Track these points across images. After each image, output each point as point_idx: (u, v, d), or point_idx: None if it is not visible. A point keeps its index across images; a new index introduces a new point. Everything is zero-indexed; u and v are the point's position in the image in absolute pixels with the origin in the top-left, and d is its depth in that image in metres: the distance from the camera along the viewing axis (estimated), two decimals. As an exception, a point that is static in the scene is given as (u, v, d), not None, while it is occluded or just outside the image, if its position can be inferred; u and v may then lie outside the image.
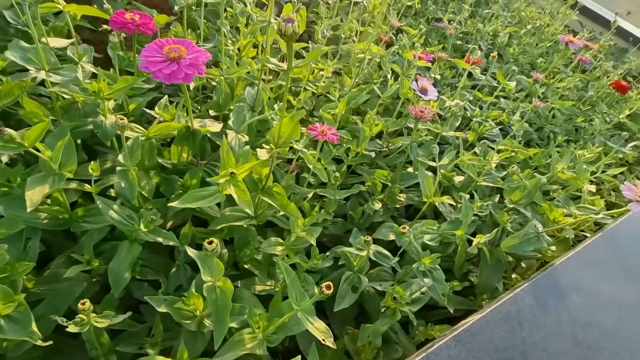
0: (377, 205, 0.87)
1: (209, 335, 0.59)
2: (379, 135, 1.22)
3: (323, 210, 0.91)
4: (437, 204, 0.96)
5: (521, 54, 2.15)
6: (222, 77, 0.82)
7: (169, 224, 0.73)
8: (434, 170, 0.88)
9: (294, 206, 0.64)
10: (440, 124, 1.27)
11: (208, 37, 1.22)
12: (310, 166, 0.72)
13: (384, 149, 1.15)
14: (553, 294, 0.70)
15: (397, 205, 0.99)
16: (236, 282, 0.70)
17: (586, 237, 1.00)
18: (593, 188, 1.07)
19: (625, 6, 3.33)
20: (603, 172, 1.36)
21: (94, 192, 0.62)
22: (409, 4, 1.79)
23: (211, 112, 0.85)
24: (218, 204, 0.74)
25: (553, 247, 0.91)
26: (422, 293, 0.71)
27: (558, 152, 1.51)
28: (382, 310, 0.68)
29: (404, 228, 0.64)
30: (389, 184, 0.96)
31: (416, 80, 1.00)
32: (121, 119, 0.50)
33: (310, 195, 0.89)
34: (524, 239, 0.74)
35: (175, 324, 0.58)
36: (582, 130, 1.88)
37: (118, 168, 0.57)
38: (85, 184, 0.63)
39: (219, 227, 0.69)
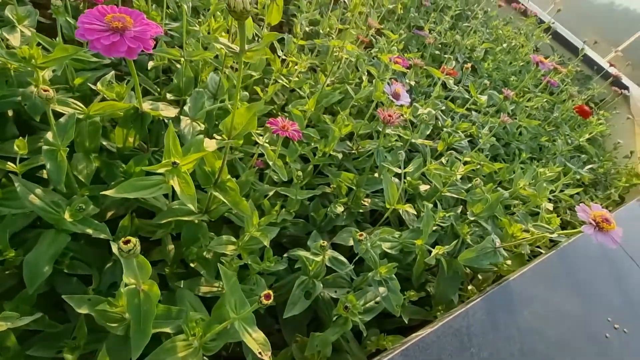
0: (339, 209, 0.84)
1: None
2: (350, 137, 1.20)
3: (284, 209, 0.87)
4: (400, 211, 0.95)
5: (495, 70, 2.21)
6: (183, 59, 0.76)
7: (109, 214, 0.66)
8: (400, 177, 0.87)
9: (247, 204, 0.59)
10: (411, 131, 1.27)
11: (179, 17, 1.14)
12: (270, 162, 0.68)
13: (353, 152, 1.12)
14: (504, 309, 0.70)
15: (361, 210, 0.96)
16: (180, 281, 0.64)
17: (541, 253, 1.02)
18: (550, 206, 1.10)
19: (593, 36, 3.53)
20: (561, 191, 1.41)
21: (18, 172, 0.55)
22: (391, 6, 1.78)
23: (169, 96, 0.78)
24: (167, 196, 0.68)
25: (509, 262, 0.92)
26: (376, 302, 0.69)
27: (522, 168, 1.55)
28: (334, 318, 0.65)
29: (361, 235, 0.61)
30: (354, 187, 0.94)
31: (390, 84, 0.98)
32: (45, 90, 0.43)
33: (271, 194, 0.85)
34: (481, 252, 0.74)
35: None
36: (546, 150, 1.96)
37: (45, 147, 0.50)
38: (9, 162, 0.55)
39: (164, 220, 0.63)
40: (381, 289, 0.66)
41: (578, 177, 1.75)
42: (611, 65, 3.05)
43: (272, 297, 0.39)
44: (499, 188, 1.34)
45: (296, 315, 0.70)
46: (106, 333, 0.53)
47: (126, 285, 0.39)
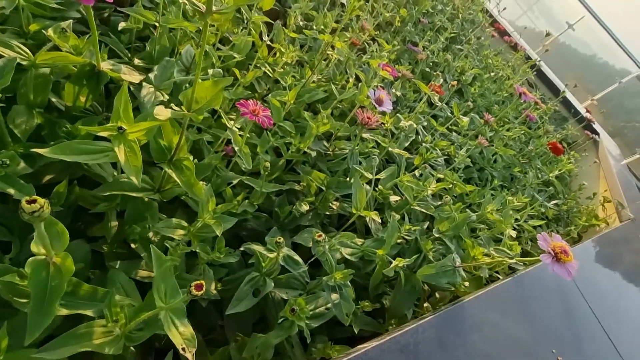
0: (305, 207, 0.80)
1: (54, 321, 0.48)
2: (329, 137, 1.17)
3: (247, 201, 0.83)
4: (367, 219, 0.93)
5: (480, 96, 2.26)
6: (159, 24, 0.70)
7: (47, 178, 0.59)
8: (372, 183, 0.84)
9: (201, 187, 0.55)
10: (390, 140, 1.26)
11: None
12: (236, 148, 0.64)
13: (329, 153, 1.09)
14: (455, 330, 0.69)
15: (328, 213, 0.93)
16: (116, 262, 0.59)
17: (499, 278, 1.03)
18: (514, 234, 1.11)
19: (574, 79, 3.71)
20: (525, 221, 1.45)
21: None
22: (388, 15, 1.78)
23: (138, 62, 0.72)
24: (116, 166, 0.62)
25: (467, 283, 0.92)
26: (327, 309, 0.66)
27: (492, 194, 1.58)
28: (280, 321, 0.61)
29: (320, 236, 0.58)
30: (324, 188, 0.91)
31: (374, 90, 0.96)
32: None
33: (235, 182, 0.80)
34: (440, 270, 0.72)
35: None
36: (517, 180, 2.01)
37: (-30, 89, 0.44)
38: None
39: (108, 193, 0.57)
40: (334, 295, 0.63)
41: (543, 210, 1.81)
42: (587, 111, 3.20)
43: (204, 288, 0.34)
44: (467, 210, 1.35)
45: (242, 313, 0.65)
46: (15, 310, 0.47)
47: (33, 255, 0.33)
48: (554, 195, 2.17)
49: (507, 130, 2.05)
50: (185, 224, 0.64)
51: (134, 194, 0.58)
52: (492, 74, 2.57)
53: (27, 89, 0.56)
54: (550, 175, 1.90)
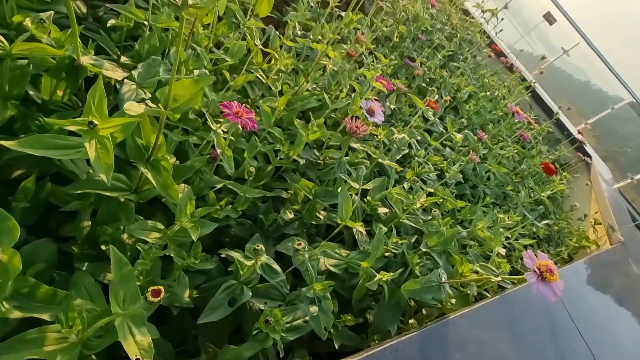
0: (289, 215, 0.78)
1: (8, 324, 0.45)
2: (320, 146, 1.16)
3: (230, 206, 0.80)
4: (354, 231, 0.91)
5: (475, 114, 2.27)
6: (147, 23, 0.69)
7: (16, 173, 0.57)
8: (363, 194, 0.82)
9: (177, 189, 0.53)
10: (382, 152, 1.25)
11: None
12: (219, 151, 0.62)
13: (320, 162, 1.08)
14: (438, 348, 0.66)
15: (314, 222, 0.91)
16: (84, 263, 0.56)
17: (487, 296, 1.00)
18: (503, 252, 1.09)
19: (568, 103, 3.77)
20: (516, 239, 1.43)
21: None
22: (386, 29, 1.80)
23: (125, 59, 0.71)
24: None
25: (453, 300, 0.89)
26: (305, 321, 0.63)
27: (484, 211, 1.57)
28: (254, 333, 0.59)
29: (299, 244, 0.56)
30: (311, 197, 0.89)
31: (367, 100, 0.95)
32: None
33: (219, 186, 0.78)
34: (425, 285, 0.70)
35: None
36: (509, 198, 2.00)
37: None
38: None
39: (80, 191, 0.55)
40: (312, 308, 0.60)
41: (535, 229, 1.80)
42: (580, 133, 3.24)
43: (162, 294, 0.32)
44: (458, 226, 1.34)
45: (216, 323, 0.62)
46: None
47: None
48: (545, 214, 2.17)
49: (501, 148, 2.06)
50: (162, 227, 0.61)
51: (107, 193, 0.56)
52: (488, 93, 2.60)
53: (3, 80, 0.54)
54: (542, 195, 1.90)
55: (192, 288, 0.71)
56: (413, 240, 0.96)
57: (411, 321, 0.96)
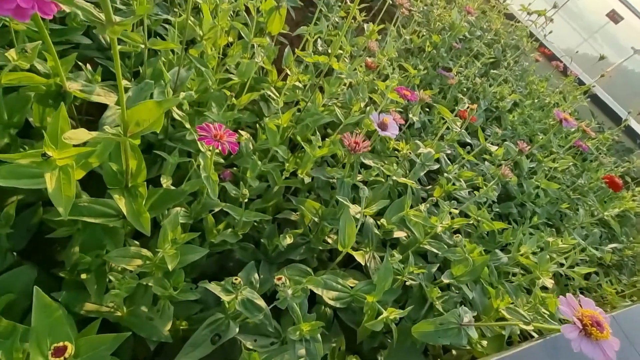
0: (288, 240, 0.72)
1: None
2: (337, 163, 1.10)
3: (230, 230, 0.77)
4: (366, 257, 0.82)
5: (522, 124, 2.07)
6: (145, 47, 0.69)
7: (12, 199, 0.58)
8: (362, 215, 0.74)
9: (148, 217, 0.50)
10: (406, 170, 1.15)
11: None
12: (204, 175, 0.58)
13: (334, 180, 1.01)
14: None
15: (321, 247, 0.84)
16: (60, 292, 0.54)
17: (528, 338, 0.85)
18: (550, 283, 0.92)
19: (638, 107, 3.31)
20: (572, 267, 1.23)
21: None
22: (419, 40, 1.71)
23: (125, 84, 0.72)
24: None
25: (484, 342, 0.76)
26: (294, 365, 0.55)
27: (531, 233, 1.38)
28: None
29: (279, 279, 0.49)
30: (316, 219, 0.82)
31: (380, 113, 0.88)
32: None
33: (217, 210, 0.75)
34: (441, 327, 0.59)
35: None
36: (565, 218, 1.76)
37: None
38: None
39: (66, 217, 0.54)
40: (300, 351, 0.53)
41: (599, 254, 1.54)
42: (656, 141, 2.81)
43: (67, 353, 0.27)
44: (497, 251, 1.18)
45: (200, 360, 0.57)
46: None
47: None
48: (613, 237, 1.88)
49: (553, 161, 1.83)
50: (146, 253, 0.59)
51: (90, 220, 0.54)
52: (537, 100, 2.37)
53: (1, 110, 0.55)
54: (606, 213, 1.64)
55: (183, 318, 0.67)
56: (434, 269, 0.85)
57: (437, 363, 0.84)
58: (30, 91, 0.55)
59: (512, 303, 0.88)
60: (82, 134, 0.38)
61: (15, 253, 0.57)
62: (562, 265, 1.20)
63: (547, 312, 0.77)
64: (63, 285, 0.59)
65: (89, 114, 0.85)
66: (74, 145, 0.42)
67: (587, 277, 1.56)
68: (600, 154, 2.40)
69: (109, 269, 0.59)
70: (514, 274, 1.15)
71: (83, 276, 0.55)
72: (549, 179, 1.78)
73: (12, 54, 0.51)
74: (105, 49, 0.94)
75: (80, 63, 0.72)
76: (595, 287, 1.57)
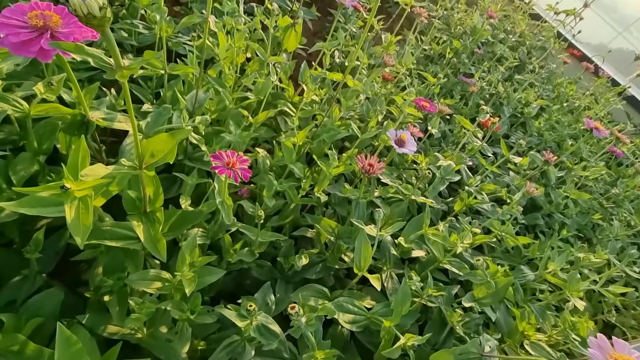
0: (303, 261, 0.72)
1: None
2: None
3: (247, 249, 0.77)
4: (383, 276, 0.81)
5: (549, 130, 1.98)
6: (165, 72, 0.72)
7: (42, 222, 0.61)
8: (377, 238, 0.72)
9: (164, 244, 0.51)
10: (424, 184, 1.12)
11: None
12: (218, 200, 0.59)
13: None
14: None
15: (337, 266, 0.83)
16: (83, 315, 0.56)
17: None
18: (582, 305, 0.87)
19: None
20: (605, 285, 1.15)
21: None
22: (439, 47, 1.68)
23: (146, 107, 0.74)
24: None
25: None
26: (309, 393, 0.55)
27: (559, 247, 1.31)
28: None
29: (292, 307, 0.49)
30: (332, 238, 0.82)
31: (397, 129, 0.87)
32: None
33: (233, 230, 0.76)
34: (461, 358, 0.57)
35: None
36: (598, 229, 1.67)
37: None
38: None
39: (82, 247, 0.56)
40: (314, 379, 0.52)
41: (637, 275, 1.44)
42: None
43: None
44: (523, 267, 1.13)
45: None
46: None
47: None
48: (651, 251, 1.75)
49: (584, 169, 1.74)
50: (165, 275, 0.60)
51: (111, 243, 0.56)
52: (565, 104, 2.26)
53: (31, 138, 0.59)
54: (644, 225, 1.54)
55: (201, 338, 0.68)
56: (455, 290, 0.82)
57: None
58: (57, 120, 0.58)
59: (538, 327, 0.83)
60: (99, 170, 0.39)
61: (44, 275, 0.60)
62: (595, 282, 1.14)
63: (578, 339, 0.73)
64: (88, 306, 0.61)
65: (114, 135, 0.88)
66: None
67: (623, 296, 1.47)
68: (637, 159, 2.26)
69: (130, 290, 0.60)
70: (542, 291, 1.09)
71: (105, 298, 0.57)
72: (579, 187, 1.69)
73: (39, 87, 0.54)
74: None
75: (104, 89, 0.75)
76: (633, 304, 1.47)
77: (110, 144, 0.84)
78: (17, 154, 0.62)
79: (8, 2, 0.69)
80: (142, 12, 1.04)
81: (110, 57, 0.32)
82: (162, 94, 0.81)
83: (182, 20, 0.71)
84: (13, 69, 0.57)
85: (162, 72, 0.71)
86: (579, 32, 2.62)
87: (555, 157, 1.22)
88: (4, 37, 0.40)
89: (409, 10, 1.45)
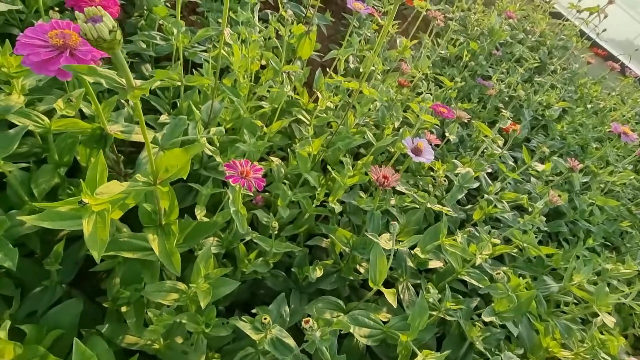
0: (318, 273, 0.71)
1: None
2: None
3: (261, 259, 0.77)
4: (400, 288, 0.79)
5: (572, 133, 1.91)
6: (182, 83, 0.72)
7: (62, 233, 0.62)
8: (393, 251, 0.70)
9: (179, 258, 0.51)
10: (441, 192, 1.09)
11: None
12: (232, 209, 0.59)
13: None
14: None
15: (352, 277, 0.82)
16: (102, 325, 0.57)
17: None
18: (611, 321, 0.83)
19: None
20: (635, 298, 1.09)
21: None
22: (456, 49, 1.65)
23: (163, 118, 0.75)
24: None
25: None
26: (324, 410, 0.54)
27: (585, 256, 1.25)
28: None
29: (307, 322, 0.48)
30: (347, 249, 0.80)
31: (414, 137, 0.85)
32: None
33: (247, 239, 0.75)
34: (482, 377, 0.55)
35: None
36: (627, 236, 1.59)
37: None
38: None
39: (107, 252, 0.57)
40: (329, 397, 0.51)
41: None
42: None
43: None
44: (546, 277, 1.08)
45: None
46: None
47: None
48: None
49: (610, 174, 1.66)
50: (181, 287, 0.60)
51: (128, 255, 0.57)
52: (589, 105, 2.18)
53: (52, 151, 0.60)
54: (677, 234, 1.45)
55: (216, 349, 0.68)
56: (474, 304, 0.79)
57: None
58: (77, 133, 0.59)
59: (563, 342, 0.80)
60: (114, 187, 0.40)
61: (64, 285, 0.62)
62: (625, 294, 1.08)
63: (608, 358, 0.69)
64: (106, 316, 0.62)
65: (133, 145, 0.90)
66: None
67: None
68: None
69: (146, 301, 0.61)
70: (566, 304, 1.05)
71: (123, 309, 0.58)
72: (605, 193, 1.62)
73: (59, 104, 0.56)
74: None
75: (123, 100, 0.77)
76: (665, 317, 1.39)
77: (128, 154, 0.85)
78: (39, 165, 0.63)
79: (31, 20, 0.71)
80: (160, 22, 1.07)
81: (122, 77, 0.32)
82: (178, 104, 0.82)
83: (198, 33, 0.71)
84: (35, 84, 0.58)
85: (179, 83, 0.72)
86: (604, 30, 2.52)
87: (580, 165, 1.17)
88: (26, 57, 0.41)
89: (425, 12, 1.42)
